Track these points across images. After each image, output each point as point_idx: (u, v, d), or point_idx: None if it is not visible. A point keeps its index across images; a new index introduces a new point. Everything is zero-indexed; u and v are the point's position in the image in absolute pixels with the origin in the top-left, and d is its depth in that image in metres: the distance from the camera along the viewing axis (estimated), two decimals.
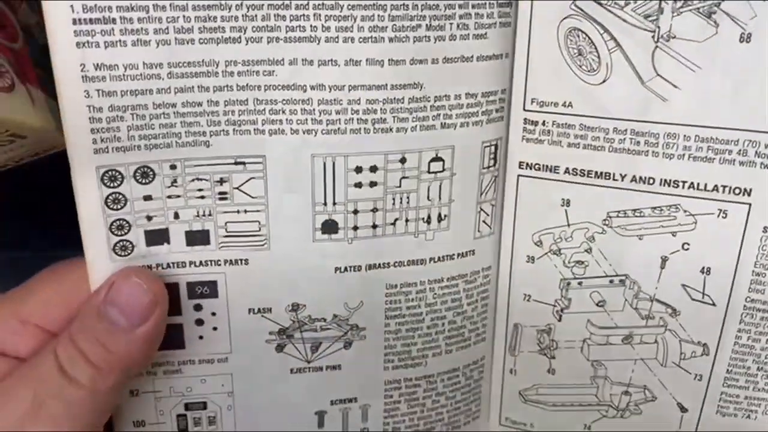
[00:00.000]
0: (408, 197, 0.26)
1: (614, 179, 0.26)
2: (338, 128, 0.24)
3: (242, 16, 0.22)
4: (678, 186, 0.25)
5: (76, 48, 0.21)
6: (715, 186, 0.24)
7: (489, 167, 0.27)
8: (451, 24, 0.24)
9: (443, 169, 0.26)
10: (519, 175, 0.27)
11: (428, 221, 0.26)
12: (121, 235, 0.24)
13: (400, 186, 0.25)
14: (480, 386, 0.31)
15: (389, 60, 0.23)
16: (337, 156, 0.24)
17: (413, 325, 0.28)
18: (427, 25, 0.23)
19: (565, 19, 0.24)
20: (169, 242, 0.25)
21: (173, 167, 0.24)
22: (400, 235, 0.26)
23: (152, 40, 0.22)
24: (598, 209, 0.26)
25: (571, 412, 0.30)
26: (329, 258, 0.26)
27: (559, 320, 0.29)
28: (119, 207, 0.24)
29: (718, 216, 0.25)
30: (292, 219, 0.25)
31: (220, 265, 0.25)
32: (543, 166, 0.26)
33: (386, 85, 0.24)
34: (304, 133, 0.24)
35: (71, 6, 0.21)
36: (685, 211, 0.25)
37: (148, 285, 0.24)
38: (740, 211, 0.24)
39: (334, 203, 0.25)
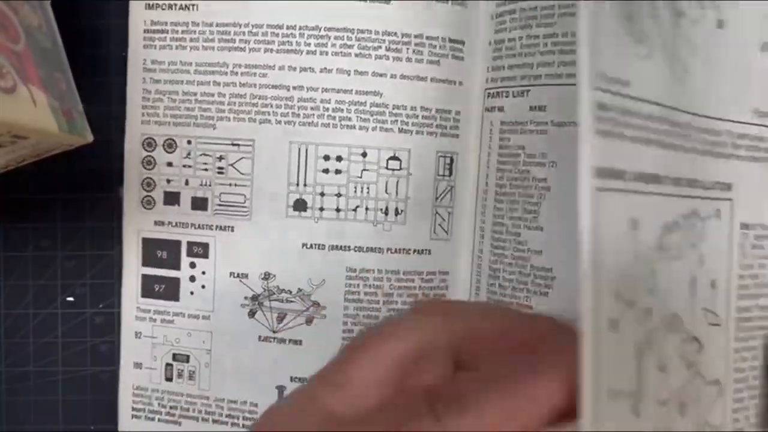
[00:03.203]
0: (368, 188, 0.32)
1: None
2: (312, 121, 0.32)
3: (248, 32, 0.31)
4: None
5: (143, 48, 0.32)
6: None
7: (444, 176, 0.32)
8: (407, 49, 0.31)
9: (400, 168, 0.32)
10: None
11: (386, 213, 0.32)
12: (148, 191, 0.33)
13: (361, 177, 0.32)
14: None
15: (354, 71, 0.31)
16: (310, 144, 0.32)
17: (370, 312, 0.32)
18: (386, 47, 0.31)
19: None
20: (179, 204, 0.33)
21: (189, 142, 0.32)
22: (360, 221, 0.32)
23: (188, 46, 0.32)
24: None
25: None
26: (298, 233, 0.32)
27: None
28: (150, 168, 0.33)
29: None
30: (270, 195, 0.32)
31: (212, 229, 0.33)
32: None
33: (352, 90, 0.31)
34: (285, 123, 0.32)
35: (144, 20, 0.32)
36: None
37: None
38: None
39: (305, 184, 0.32)
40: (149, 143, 0.33)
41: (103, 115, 0.33)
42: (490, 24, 0.31)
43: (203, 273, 0.33)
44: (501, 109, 0.31)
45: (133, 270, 0.34)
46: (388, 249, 0.32)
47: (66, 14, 0.30)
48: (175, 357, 0.34)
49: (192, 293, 0.33)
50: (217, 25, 0.32)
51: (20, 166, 0.29)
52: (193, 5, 0.32)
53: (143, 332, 0.34)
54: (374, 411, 0.20)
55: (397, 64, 0.31)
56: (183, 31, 0.32)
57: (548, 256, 0.29)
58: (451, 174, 0.32)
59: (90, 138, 0.29)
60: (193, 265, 0.33)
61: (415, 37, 0.31)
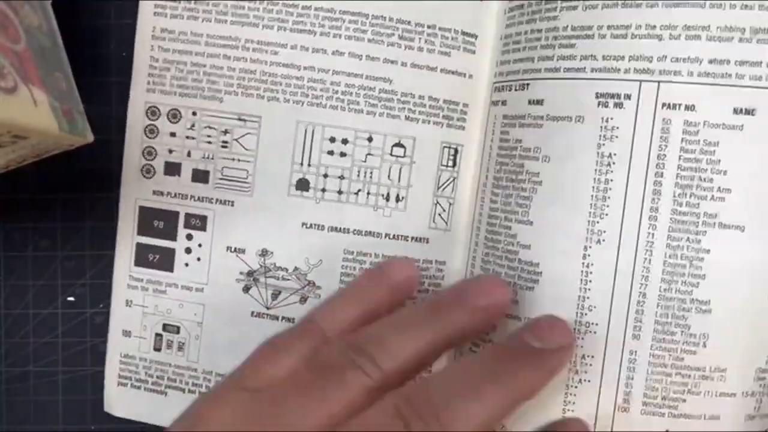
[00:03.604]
0: (371, 172, 0.32)
1: None
2: (320, 102, 0.32)
3: (262, 8, 0.32)
4: None
5: (153, 16, 0.32)
6: None
7: (448, 166, 0.33)
8: (419, 38, 0.32)
9: (404, 155, 0.32)
10: None
11: (387, 198, 0.32)
12: (149, 159, 0.33)
13: (365, 161, 0.32)
14: None
15: (366, 56, 0.32)
16: (316, 125, 0.32)
17: None
18: (399, 35, 0.31)
19: None
20: (180, 175, 0.33)
21: (194, 114, 0.32)
22: (361, 205, 0.32)
23: (200, 17, 0.32)
24: None
25: None
26: (299, 212, 0.33)
27: None
28: (153, 137, 0.33)
29: None
30: (273, 173, 0.33)
31: (212, 202, 0.33)
32: None
33: (362, 74, 0.32)
34: (293, 103, 0.32)
35: None
36: None
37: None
38: None
39: (309, 165, 0.32)
40: (153, 112, 0.33)
41: (103, 115, 0.33)
42: (503, 19, 0.32)
43: (200, 245, 0.33)
44: (504, 102, 0.31)
45: (127, 237, 0.34)
46: (386, 234, 0.33)
47: (66, 14, 0.30)
48: (165, 327, 0.34)
49: (187, 265, 0.33)
50: None
51: (20, 166, 0.29)
52: None
53: (134, 300, 0.34)
54: None
55: (408, 52, 0.32)
56: (196, 2, 0.32)
57: (536, 251, 0.30)
58: (455, 165, 0.33)
59: (90, 138, 0.29)
60: (189, 237, 0.33)
61: (428, 27, 0.32)
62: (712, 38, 0.27)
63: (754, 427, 0.28)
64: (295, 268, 0.33)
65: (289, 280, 0.33)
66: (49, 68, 0.27)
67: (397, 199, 0.33)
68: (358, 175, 0.32)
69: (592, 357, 0.28)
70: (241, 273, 0.33)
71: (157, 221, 0.33)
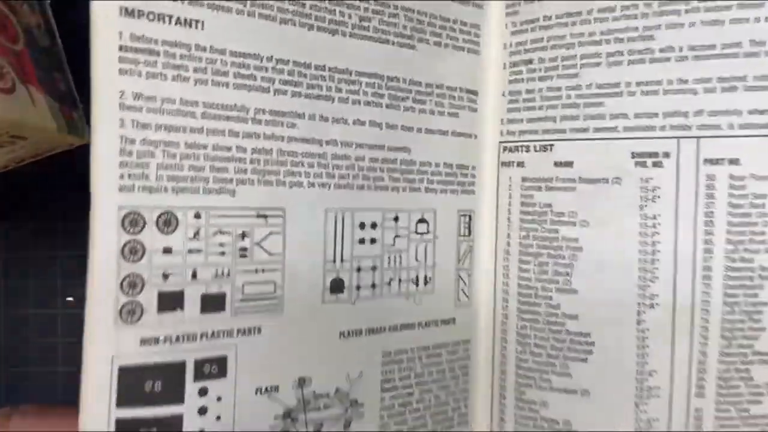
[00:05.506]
0: (400, 256, 0.28)
1: None
2: (347, 183, 0.27)
3: (271, 68, 0.24)
4: None
5: (119, 74, 0.22)
6: None
7: (464, 236, 0.31)
8: (430, 100, 0.29)
9: (427, 231, 0.29)
10: None
11: (416, 283, 0.29)
12: (132, 295, 0.22)
13: (394, 244, 0.28)
14: None
15: (386, 123, 0.27)
16: (346, 210, 0.26)
17: (405, 399, 0.29)
18: (413, 98, 0.28)
19: None
20: (182, 308, 0.23)
21: (197, 216, 0.23)
22: (394, 296, 0.28)
23: (191, 77, 0.23)
24: None
25: None
26: (336, 321, 0.27)
27: None
28: (136, 259, 0.22)
29: None
30: (305, 279, 0.26)
31: (232, 336, 0.24)
32: None
33: (384, 146, 0.27)
34: (319, 186, 0.26)
35: (120, 33, 0.22)
36: None
37: None
38: None
39: (342, 260, 0.27)
40: (133, 221, 0.22)
41: None
42: (502, 74, 0.30)
43: (218, 399, 0.24)
44: (521, 164, 0.30)
45: (99, 417, 0.22)
46: (419, 324, 0.29)
47: (65, 13, 0.29)
48: None
49: (202, 431, 0.24)
50: (231, 54, 0.24)
51: (19, 166, 0.29)
52: (198, 22, 0.23)
53: None
54: None
55: (422, 116, 0.29)
56: (182, 56, 0.23)
57: (585, 321, 0.29)
58: (470, 233, 0.31)
59: (89, 138, 0.24)
60: (203, 392, 0.23)
61: (437, 87, 0.29)
62: (750, 89, 0.26)
63: None
64: (337, 390, 0.27)
65: (331, 407, 0.26)
66: (48, 68, 0.27)
67: (425, 282, 0.29)
68: (389, 263, 0.28)
69: (658, 420, 0.29)
70: (275, 417, 0.25)
71: (151, 382, 0.23)
